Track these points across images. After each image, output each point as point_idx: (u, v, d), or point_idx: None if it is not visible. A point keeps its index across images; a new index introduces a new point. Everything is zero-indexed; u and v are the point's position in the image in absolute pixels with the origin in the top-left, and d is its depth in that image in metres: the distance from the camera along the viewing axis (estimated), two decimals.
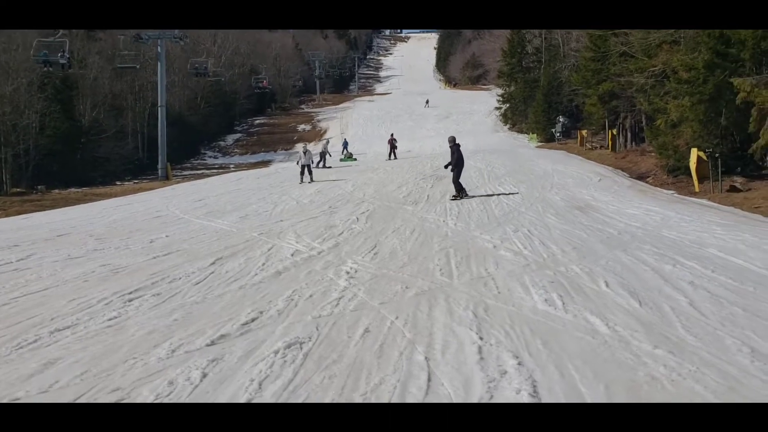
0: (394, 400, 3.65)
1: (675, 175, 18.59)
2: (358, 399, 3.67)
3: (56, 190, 34.87)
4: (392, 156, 31.83)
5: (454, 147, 15.69)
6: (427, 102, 65.78)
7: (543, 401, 3.61)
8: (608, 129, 32.13)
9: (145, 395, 3.74)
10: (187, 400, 3.66)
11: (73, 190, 34.82)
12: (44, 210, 20.27)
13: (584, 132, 36.54)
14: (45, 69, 35.18)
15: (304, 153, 21.59)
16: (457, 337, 4.71)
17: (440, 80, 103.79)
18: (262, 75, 67.98)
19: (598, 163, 24.97)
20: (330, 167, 27.11)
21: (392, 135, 34.29)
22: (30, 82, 39.58)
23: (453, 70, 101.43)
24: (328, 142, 32.55)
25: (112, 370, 4.17)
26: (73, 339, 4.87)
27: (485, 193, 15.70)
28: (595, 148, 33.86)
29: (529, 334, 4.77)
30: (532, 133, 45.40)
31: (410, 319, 5.22)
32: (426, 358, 4.28)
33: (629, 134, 31.17)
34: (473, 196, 14.71)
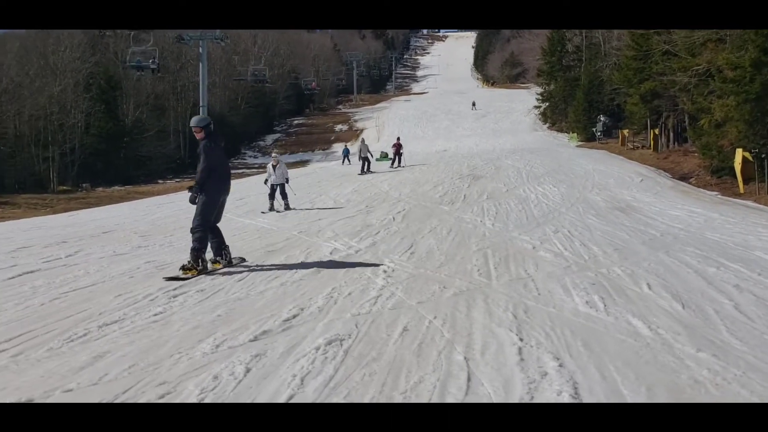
0: (434, 400, 3.67)
1: (719, 176, 18.20)
2: (398, 397, 3.70)
3: (100, 188, 35.80)
4: (397, 163, 27.67)
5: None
6: (474, 104, 63.90)
7: (583, 402, 3.59)
8: (650, 128, 31.58)
9: (191, 389, 3.83)
10: (232, 395, 3.74)
11: (116, 188, 35.70)
12: (89, 207, 20.85)
13: (625, 131, 35.99)
14: (139, 74, 41.13)
15: (275, 167, 15.20)
16: (496, 338, 4.71)
17: (478, 79, 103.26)
18: (311, 78, 68.64)
19: (640, 163, 24.58)
20: (374, 172, 24.90)
21: (398, 139, 30.04)
22: (76, 83, 40.71)
23: (491, 69, 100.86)
24: (363, 141, 28.69)
25: (158, 364, 4.28)
26: (120, 333, 5.01)
27: (523, 193, 15.59)
28: (637, 147, 33.32)
29: (570, 335, 4.74)
30: (572, 133, 44.86)
31: (449, 319, 5.23)
32: (465, 358, 4.30)
33: (672, 134, 30.58)
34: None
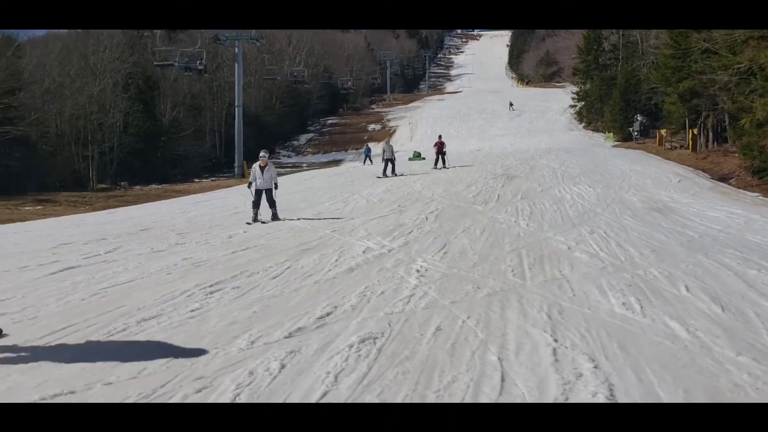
0: (467, 399, 3.67)
1: (760, 177, 17.75)
2: (431, 396, 3.71)
3: (138, 187, 36.44)
4: (441, 163, 25.04)
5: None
6: (511, 105, 62.22)
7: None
8: (689, 128, 30.96)
9: (227, 384, 3.90)
10: (267, 390, 3.79)
11: (153, 186, 36.31)
12: (127, 205, 21.25)
13: (663, 131, 35.35)
14: (187, 73, 43.05)
15: (263, 169, 13.09)
16: (530, 339, 4.68)
17: (512, 78, 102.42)
18: (347, 77, 68.95)
19: (678, 164, 24.11)
20: (400, 175, 23.40)
21: (440, 137, 27.09)
22: (115, 83, 41.52)
23: (526, 68, 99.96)
24: (388, 142, 26.51)
25: (195, 359, 4.36)
26: (158, 329, 5.11)
27: (558, 193, 15.43)
28: (675, 148, 32.70)
29: (605, 337, 4.69)
30: (608, 132, 44.21)
31: (482, 319, 5.22)
32: (499, 358, 4.28)
33: (711, 134, 29.93)
34: None
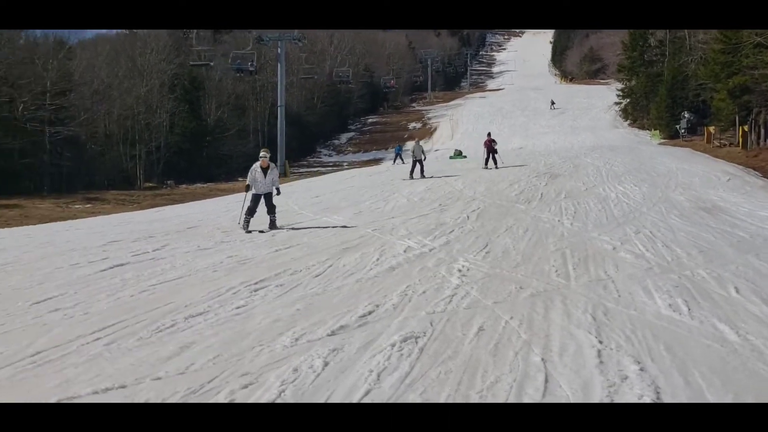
0: (511, 400, 3.66)
1: None
2: (474, 396, 3.71)
3: (184, 185, 37.19)
4: (492, 163, 23.30)
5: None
6: (553, 103, 60.85)
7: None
8: (739, 125, 30.10)
9: (272, 381, 3.96)
10: (311, 387, 3.84)
11: (199, 185, 37.01)
12: (174, 204, 21.70)
13: (711, 128, 34.45)
14: (239, 74, 45.22)
15: (265, 171, 11.70)
16: (575, 340, 4.63)
17: (556, 75, 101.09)
18: (389, 76, 69.29)
19: (727, 162, 23.48)
20: (430, 177, 21.60)
21: (489, 135, 25.04)
22: (162, 84, 42.44)
23: (569, 65, 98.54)
24: (417, 141, 24.92)
25: (241, 356, 4.44)
26: (205, 325, 5.22)
27: (603, 192, 15.19)
28: (724, 145, 31.85)
29: (651, 339, 4.62)
30: (654, 130, 43.32)
31: (525, 320, 5.18)
32: (543, 359, 4.25)
33: (762, 131, 29.05)
34: None
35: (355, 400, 3.66)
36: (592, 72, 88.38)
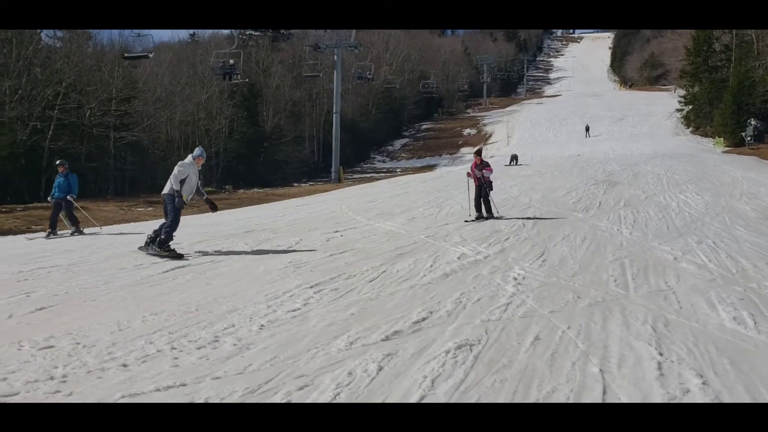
0: None
1: None
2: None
3: (242, 190, 37.94)
4: (483, 208, 13.03)
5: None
6: (588, 130, 52.50)
7: None
8: None
9: (327, 383, 4.01)
10: (366, 391, 3.87)
11: (256, 190, 37.70)
12: (232, 208, 22.15)
13: None
14: (358, 81, 48.68)
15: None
16: (634, 351, 4.53)
17: (615, 81, 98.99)
18: (431, 81, 69.70)
19: None
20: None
21: (478, 154, 14.05)
22: (221, 91, 43.45)
23: (629, 71, 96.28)
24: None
25: (297, 358, 4.51)
26: (262, 327, 5.32)
27: (664, 201, 14.79)
28: None
29: (714, 352, 4.47)
30: (718, 137, 41.88)
31: (583, 330, 5.09)
32: (601, 370, 4.17)
33: None
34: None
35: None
36: (653, 78, 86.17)
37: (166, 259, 8.84)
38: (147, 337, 5.02)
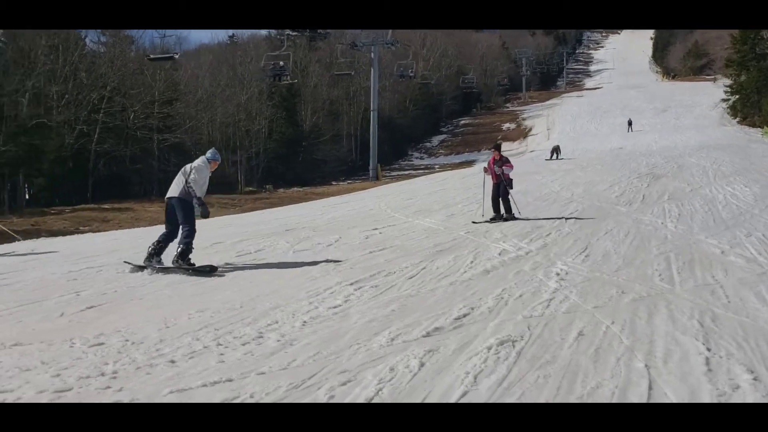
0: None
1: None
2: (573, 401, 3.63)
3: (281, 190, 38.39)
4: (503, 208, 12.38)
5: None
6: (630, 124, 50.44)
7: None
8: None
9: (369, 379, 4.03)
10: (408, 387, 3.89)
11: (295, 189, 38.09)
12: (272, 207, 22.45)
13: None
14: (401, 80, 50.36)
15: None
16: (680, 347, 4.44)
17: (657, 72, 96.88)
18: (471, 76, 69.63)
19: None
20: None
21: (497, 148, 13.18)
22: (260, 91, 44.00)
23: (672, 61, 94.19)
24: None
25: (339, 354, 4.55)
26: (304, 323, 5.38)
27: (710, 194, 14.44)
28: None
29: (766, 348, 4.36)
30: (766, 127, 40.63)
31: (627, 325, 5.01)
32: (646, 365, 4.10)
33: None
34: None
35: (452, 401, 3.66)
36: (696, 68, 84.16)
37: (192, 274, 7.69)
38: (193, 333, 5.12)
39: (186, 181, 8.04)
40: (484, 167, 12.98)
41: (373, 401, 3.68)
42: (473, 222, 12.11)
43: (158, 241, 8.15)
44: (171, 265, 7.92)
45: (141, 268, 8.00)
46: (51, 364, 4.43)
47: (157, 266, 7.94)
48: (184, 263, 7.86)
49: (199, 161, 8.33)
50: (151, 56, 36.62)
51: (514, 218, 12.09)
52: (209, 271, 7.80)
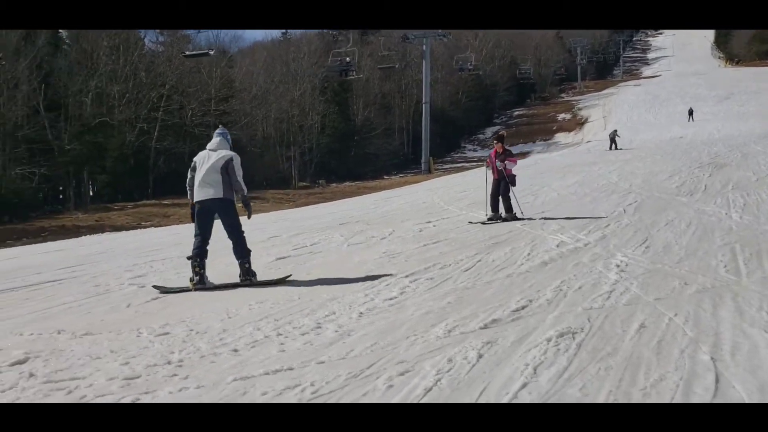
0: (677, 399, 3.47)
1: None
2: (637, 394, 3.56)
3: (334, 184, 38.72)
4: (501, 207, 11.42)
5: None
6: (691, 114, 48.70)
7: None
8: None
9: (427, 369, 4.05)
10: (467, 378, 3.88)
11: (347, 183, 38.37)
12: (326, 201, 22.69)
13: None
14: (461, 73, 51.83)
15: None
16: (748, 339, 4.30)
17: (719, 58, 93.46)
18: (527, 66, 69.01)
19: None
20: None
21: (500, 138, 11.85)
22: (313, 87, 44.46)
23: (736, 46, 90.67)
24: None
25: (396, 345, 4.58)
26: (362, 314, 5.43)
27: None
28: None
29: None
30: None
31: (691, 317, 4.88)
32: (712, 358, 3.99)
33: None
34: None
35: (512, 393, 3.65)
36: (762, 53, 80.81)
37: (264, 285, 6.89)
38: (254, 323, 5.24)
39: (232, 178, 6.83)
40: (486, 161, 11.92)
41: (431, 391, 3.70)
42: (469, 222, 11.29)
43: (196, 257, 6.75)
44: (239, 282, 6.83)
45: (173, 291, 6.75)
46: (120, 353, 4.61)
47: (215, 284, 6.80)
48: (255, 279, 6.83)
49: (228, 150, 6.98)
50: (186, 53, 37.33)
51: (515, 218, 11.10)
52: (285, 278, 7.05)
